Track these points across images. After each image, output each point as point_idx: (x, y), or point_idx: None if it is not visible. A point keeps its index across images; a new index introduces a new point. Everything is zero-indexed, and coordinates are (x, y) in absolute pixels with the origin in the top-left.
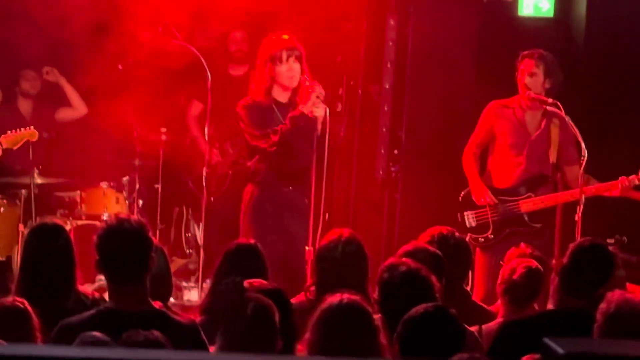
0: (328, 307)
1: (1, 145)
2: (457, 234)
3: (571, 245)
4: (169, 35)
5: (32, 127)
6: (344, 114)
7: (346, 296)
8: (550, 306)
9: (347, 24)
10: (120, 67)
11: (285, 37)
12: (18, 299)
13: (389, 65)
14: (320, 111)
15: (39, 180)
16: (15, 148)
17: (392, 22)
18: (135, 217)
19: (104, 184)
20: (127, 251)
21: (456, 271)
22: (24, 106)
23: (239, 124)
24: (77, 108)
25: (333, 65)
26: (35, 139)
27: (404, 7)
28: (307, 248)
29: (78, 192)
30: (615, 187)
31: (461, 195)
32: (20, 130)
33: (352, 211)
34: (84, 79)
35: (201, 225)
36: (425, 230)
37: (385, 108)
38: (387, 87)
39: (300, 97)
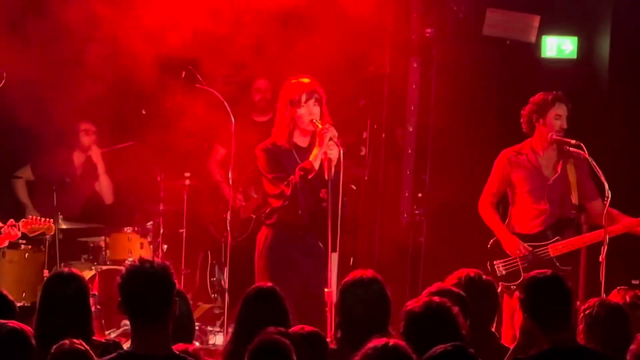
0: (373, 351)
1: (19, 229)
2: (484, 276)
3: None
4: (192, 80)
5: (51, 220)
6: (368, 157)
7: (392, 340)
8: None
9: (370, 67)
10: (144, 112)
11: (306, 80)
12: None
13: (412, 108)
14: (334, 153)
15: (63, 226)
16: (30, 235)
17: (415, 65)
18: (158, 259)
19: (128, 229)
20: (149, 292)
21: (483, 314)
22: (78, 159)
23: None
24: (106, 198)
25: (357, 109)
26: (51, 233)
27: (427, 50)
28: (326, 290)
29: (102, 237)
30: None
31: (489, 244)
32: (41, 220)
33: (377, 254)
34: (108, 125)
35: (226, 269)
36: (449, 272)
37: (409, 151)
38: (411, 130)
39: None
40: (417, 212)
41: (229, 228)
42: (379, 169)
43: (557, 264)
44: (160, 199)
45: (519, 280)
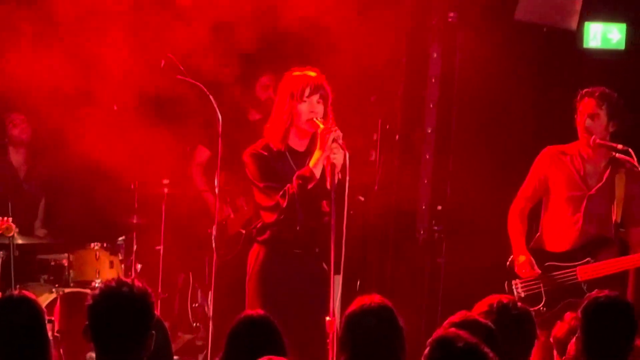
0: None
1: None
2: (519, 304)
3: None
4: (173, 70)
5: (10, 219)
6: (378, 163)
7: None
8: None
9: (383, 57)
10: (115, 107)
11: (312, 73)
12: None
13: (431, 106)
14: (339, 158)
15: (19, 241)
16: None
17: (435, 55)
18: (139, 283)
19: (95, 245)
20: (123, 320)
21: (518, 348)
22: (16, 157)
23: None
24: None
25: (366, 106)
26: (10, 234)
27: (450, 38)
28: (327, 318)
29: (65, 255)
30: None
31: (508, 261)
32: None
33: (389, 277)
34: (72, 122)
35: (210, 294)
36: (472, 299)
37: (427, 156)
38: (430, 131)
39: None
40: (435, 228)
41: (214, 245)
42: (391, 177)
43: (586, 289)
44: (133, 210)
45: (539, 305)
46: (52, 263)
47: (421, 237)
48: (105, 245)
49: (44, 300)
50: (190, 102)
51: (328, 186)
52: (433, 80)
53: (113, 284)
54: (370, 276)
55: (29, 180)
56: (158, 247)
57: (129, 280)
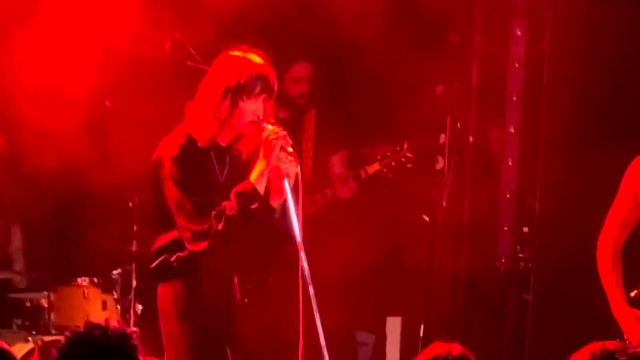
0: None
1: None
2: (629, 350)
3: None
4: (180, 53)
5: None
6: (447, 173)
7: None
8: None
9: (452, 35)
10: (107, 103)
11: (258, 59)
12: None
13: (514, 98)
14: (291, 168)
15: None
16: None
17: (518, 33)
18: (115, 323)
19: (83, 281)
20: None
21: None
22: None
23: (163, 184)
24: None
25: (430, 100)
26: None
27: (537, 11)
28: None
29: (45, 293)
30: None
31: (632, 294)
32: None
33: (461, 318)
34: (51, 120)
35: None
36: (568, 347)
37: (510, 163)
38: (513, 131)
39: (246, 142)
40: (521, 255)
41: (235, 278)
42: (464, 190)
43: None
44: (132, 234)
45: None
46: (28, 304)
47: (502, 267)
48: (96, 280)
49: (18, 350)
50: None
51: (273, 205)
52: (516, 64)
53: (82, 329)
54: (438, 317)
55: None
56: None
57: (102, 322)
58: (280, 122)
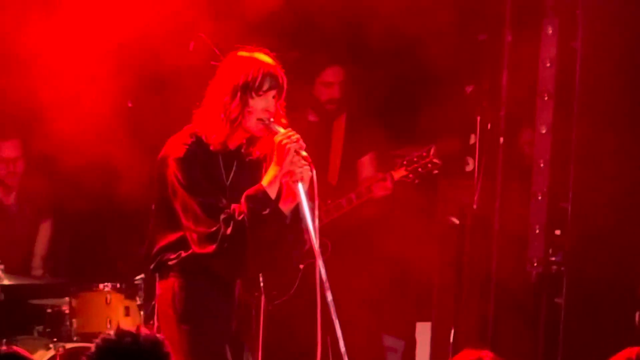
0: None
1: None
2: None
3: None
4: (205, 53)
5: None
6: (478, 175)
7: None
8: None
9: (482, 34)
10: (130, 104)
11: (267, 59)
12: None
13: (546, 98)
14: (305, 173)
15: (6, 281)
16: None
17: (550, 32)
18: (147, 331)
19: (106, 287)
20: None
21: None
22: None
23: (168, 185)
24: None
25: (459, 100)
26: None
27: (570, 7)
28: None
29: (66, 299)
30: None
31: None
32: None
33: (492, 324)
34: (72, 125)
35: (259, 353)
36: (602, 353)
37: (542, 164)
38: (544, 132)
39: (258, 146)
40: (553, 258)
41: (261, 284)
42: (494, 192)
43: None
44: None
45: None
46: (49, 310)
47: (534, 271)
48: (119, 286)
49: (39, 358)
50: None
51: (284, 210)
52: (547, 64)
53: (113, 337)
54: (468, 323)
55: (20, 205)
56: None
57: (133, 329)
58: (309, 126)
